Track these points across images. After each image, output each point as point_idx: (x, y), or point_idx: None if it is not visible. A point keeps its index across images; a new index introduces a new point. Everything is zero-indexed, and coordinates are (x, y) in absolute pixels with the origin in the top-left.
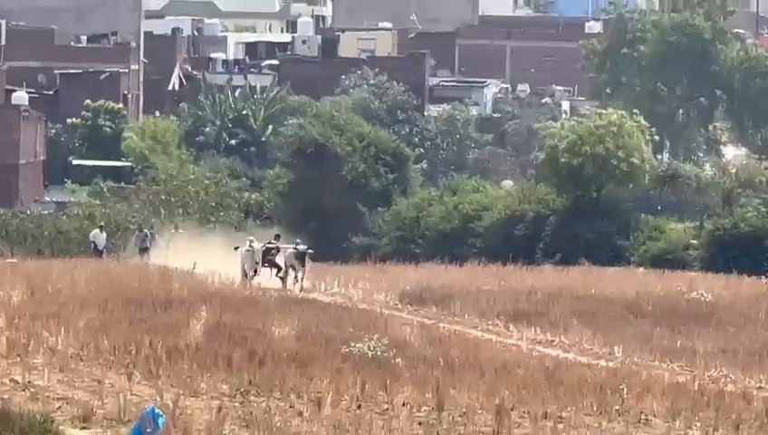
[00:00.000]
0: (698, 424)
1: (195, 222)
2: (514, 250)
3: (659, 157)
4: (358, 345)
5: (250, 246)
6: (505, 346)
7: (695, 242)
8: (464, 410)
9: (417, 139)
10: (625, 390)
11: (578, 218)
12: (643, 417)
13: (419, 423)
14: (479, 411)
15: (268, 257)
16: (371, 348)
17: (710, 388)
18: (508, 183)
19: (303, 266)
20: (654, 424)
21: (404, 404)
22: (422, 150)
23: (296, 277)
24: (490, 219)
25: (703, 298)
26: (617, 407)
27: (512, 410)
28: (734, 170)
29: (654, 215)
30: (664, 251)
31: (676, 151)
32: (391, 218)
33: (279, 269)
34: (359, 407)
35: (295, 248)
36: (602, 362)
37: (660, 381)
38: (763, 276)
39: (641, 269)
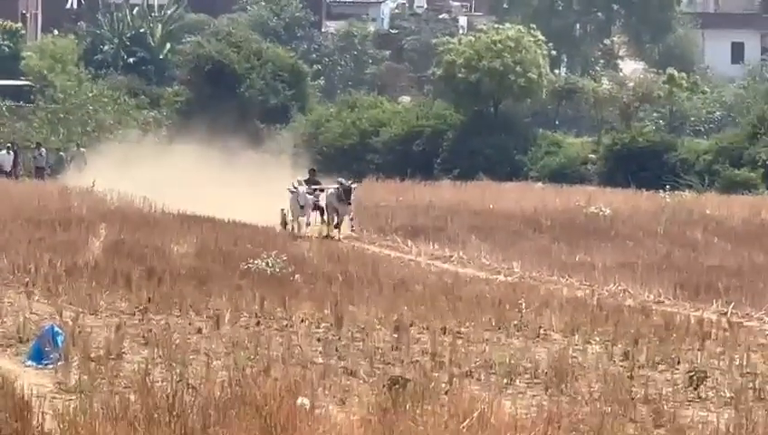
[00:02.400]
0: (597, 338)
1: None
2: (412, 166)
3: (557, 72)
4: (256, 262)
5: (295, 187)
6: (404, 262)
7: (593, 156)
8: (362, 326)
9: (314, 55)
10: (523, 305)
11: (476, 134)
12: (542, 332)
13: (318, 340)
14: (378, 327)
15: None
16: (270, 265)
17: (609, 302)
18: (406, 99)
19: (349, 205)
20: (553, 339)
21: (303, 320)
22: (320, 67)
23: (339, 222)
24: (388, 135)
25: (601, 213)
26: (515, 322)
27: (411, 325)
28: (631, 85)
29: (552, 130)
30: (562, 166)
31: (573, 66)
32: (289, 135)
33: (323, 212)
34: (257, 323)
35: (339, 186)
36: (501, 278)
37: (559, 295)
38: (661, 190)
39: (539, 184)
